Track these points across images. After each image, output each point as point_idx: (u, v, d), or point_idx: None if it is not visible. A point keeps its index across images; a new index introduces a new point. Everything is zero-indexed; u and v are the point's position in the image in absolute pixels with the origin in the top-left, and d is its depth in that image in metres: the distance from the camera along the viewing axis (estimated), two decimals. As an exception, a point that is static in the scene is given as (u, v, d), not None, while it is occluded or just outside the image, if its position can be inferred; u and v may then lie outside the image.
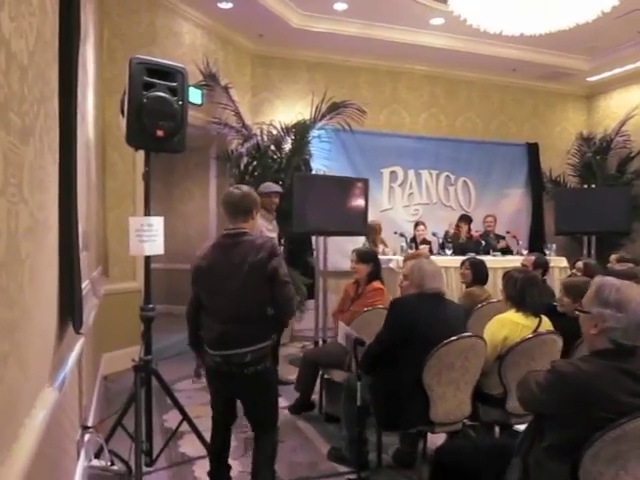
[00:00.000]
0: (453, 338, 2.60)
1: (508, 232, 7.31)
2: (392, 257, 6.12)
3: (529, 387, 1.82)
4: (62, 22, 1.70)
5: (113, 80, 5.08)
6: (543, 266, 4.33)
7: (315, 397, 4.18)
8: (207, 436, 3.29)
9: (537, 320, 2.93)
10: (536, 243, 7.85)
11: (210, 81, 6.20)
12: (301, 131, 6.74)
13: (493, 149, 8.58)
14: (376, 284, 4.12)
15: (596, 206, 6.68)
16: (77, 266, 1.82)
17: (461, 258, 5.16)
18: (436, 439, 3.23)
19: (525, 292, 2.91)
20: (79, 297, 1.89)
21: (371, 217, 6.14)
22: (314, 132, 6.83)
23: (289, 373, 5.00)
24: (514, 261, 6.41)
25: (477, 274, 4.30)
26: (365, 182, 5.70)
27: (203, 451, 3.29)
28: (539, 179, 8.86)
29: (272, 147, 6.72)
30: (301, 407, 4.11)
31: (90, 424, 2.77)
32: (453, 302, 3.11)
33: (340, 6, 6.40)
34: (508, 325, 2.89)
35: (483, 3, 5.22)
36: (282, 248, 3.57)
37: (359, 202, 5.60)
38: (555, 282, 5.76)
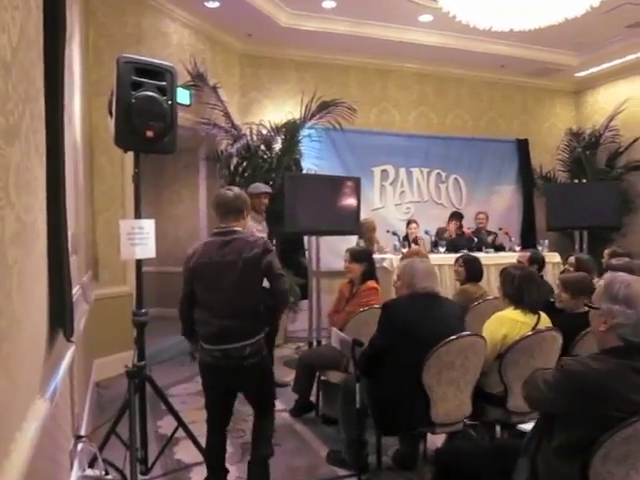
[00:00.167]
0: (452, 337, 2.55)
1: (500, 229, 7.32)
2: (385, 256, 6.09)
3: (537, 386, 1.78)
4: (47, 19, 1.64)
5: (100, 82, 5.00)
6: (539, 262, 4.32)
7: (313, 398, 4.13)
8: (203, 442, 3.25)
9: (536, 317, 2.90)
10: (528, 239, 7.85)
11: (198, 81, 6.13)
12: (291, 130, 6.69)
13: (483, 146, 8.58)
14: (370, 283, 4.07)
15: (587, 201, 6.69)
16: (67, 271, 1.76)
17: (454, 255, 5.15)
18: (436, 439, 3.19)
19: (523, 289, 2.87)
20: (70, 304, 1.83)
21: (363, 216, 6.11)
22: (304, 131, 6.78)
23: (284, 375, 4.95)
24: (507, 257, 6.40)
25: (471, 271, 4.27)
26: (357, 181, 5.67)
27: (199, 457, 3.23)
28: (529, 175, 8.87)
29: (262, 147, 6.66)
30: (301, 409, 4.06)
31: (83, 433, 2.70)
32: (449, 300, 3.05)
33: (329, 4, 6.35)
34: (507, 323, 2.85)
35: (472, -1, 5.20)
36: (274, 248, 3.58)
37: (351, 201, 5.56)
38: (549, 277, 5.75)
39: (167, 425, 3.66)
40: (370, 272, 4.12)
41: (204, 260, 2.69)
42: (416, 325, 2.69)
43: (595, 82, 8.85)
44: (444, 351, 2.54)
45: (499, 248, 6.94)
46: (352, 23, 6.90)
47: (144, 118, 2.65)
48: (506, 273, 3.01)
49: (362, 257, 4.14)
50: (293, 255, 6.50)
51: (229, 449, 3.11)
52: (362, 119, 7.55)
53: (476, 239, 6.90)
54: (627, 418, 1.54)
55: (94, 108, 5.02)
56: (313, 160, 7.06)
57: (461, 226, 7.30)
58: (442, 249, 6.37)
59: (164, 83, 2.76)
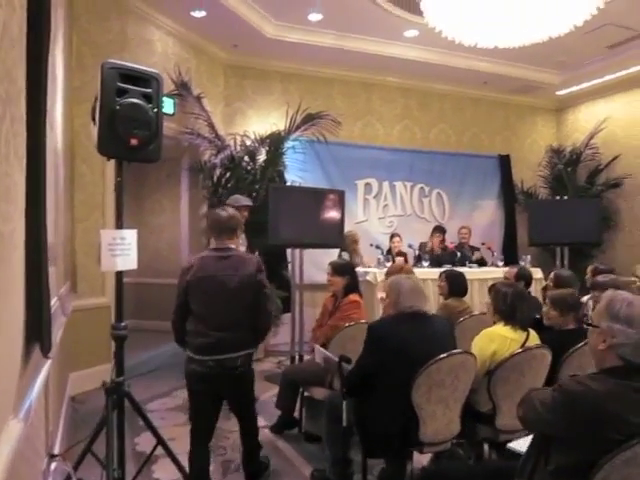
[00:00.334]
0: (443, 355, 2.49)
1: (483, 243, 7.34)
2: (369, 270, 6.05)
3: (533, 406, 1.73)
4: (31, 20, 1.57)
5: (82, 88, 4.91)
6: (526, 278, 4.31)
7: (296, 414, 4.04)
8: (182, 459, 3.14)
9: (525, 334, 2.87)
10: (510, 254, 7.89)
11: (182, 90, 6.06)
12: (275, 142, 6.65)
13: (466, 161, 8.63)
14: (352, 297, 4.01)
15: (568, 217, 6.77)
16: (46, 284, 1.67)
17: (438, 270, 5.13)
18: (422, 458, 3.13)
19: (516, 306, 2.85)
20: (48, 317, 1.74)
21: (346, 229, 6.06)
22: (288, 143, 6.74)
23: (265, 390, 4.85)
24: (490, 272, 6.44)
25: (453, 286, 4.25)
26: (341, 194, 5.64)
27: (178, 476, 3.12)
28: (511, 190, 8.94)
29: (246, 158, 6.60)
30: (283, 425, 3.96)
31: (57, 451, 2.58)
32: (437, 317, 2.97)
33: (315, 17, 6.35)
34: (497, 339, 2.82)
35: (459, 16, 5.22)
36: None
37: (335, 214, 5.52)
38: (532, 293, 5.76)
39: (145, 442, 3.55)
40: (353, 285, 4.07)
41: (202, 274, 2.82)
42: (405, 346, 2.60)
43: (576, 100, 8.99)
44: (435, 369, 2.48)
45: (482, 263, 6.95)
46: (338, 36, 6.91)
47: (128, 126, 2.57)
48: (496, 290, 2.97)
49: (344, 270, 4.09)
50: (276, 268, 6.40)
51: (210, 467, 3.02)
52: (346, 132, 7.54)
53: (459, 254, 6.90)
54: (626, 440, 1.50)
55: (76, 115, 4.92)
56: (297, 172, 7.02)
57: (444, 240, 7.31)
58: (426, 263, 6.35)
59: (150, 90, 2.68)
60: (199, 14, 5.92)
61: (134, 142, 2.60)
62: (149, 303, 7.57)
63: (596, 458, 1.51)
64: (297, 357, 5.28)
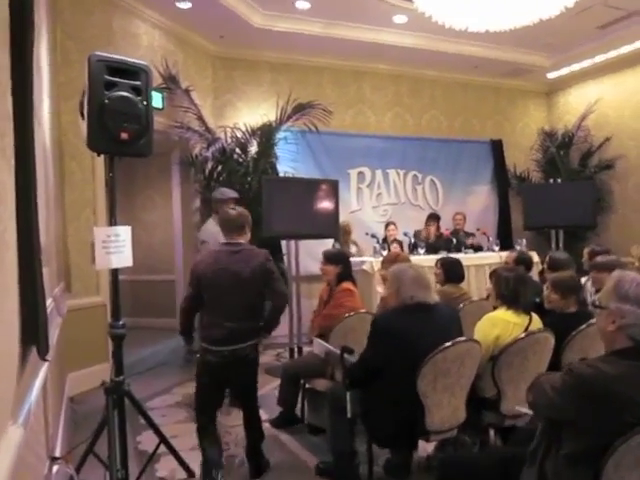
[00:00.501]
0: (448, 344, 2.45)
1: (478, 229, 7.32)
2: (365, 259, 6.02)
3: (544, 391, 1.69)
4: (13, 14, 1.51)
5: (68, 84, 4.81)
6: (525, 263, 4.28)
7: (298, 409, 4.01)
8: (185, 456, 3.13)
9: (528, 318, 2.85)
10: (505, 239, 7.88)
11: (170, 84, 5.98)
12: (267, 133, 6.59)
13: (458, 147, 8.60)
14: (345, 285, 3.96)
15: (562, 200, 6.75)
16: (40, 284, 1.62)
17: (434, 257, 5.10)
18: (427, 446, 3.11)
19: (519, 291, 2.82)
20: (44, 319, 1.69)
21: (341, 219, 6.02)
22: (280, 134, 6.68)
23: (266, 383, 4.81)
24: (486, 258, 6.44)
25: (449, 273, 4.22)
26: (334, 184, 5.60)
27: (182, 473, 3.10)
28: (504, 175, 8.91)
29: (237, 150, 6.54)
30: (284, 421, 3.93)
31: (58, 454, 2.54)
32: (442, 305, 2.88)
33: (303, 5, 6.27)
34: (500, 324, 2.79)
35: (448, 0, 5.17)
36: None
37: (329, 204, 5.48)
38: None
39: (147, 440, 3.51)
40: (345, 274, 4.03)
41: (216, 267, 3.00)
42: (410, 339, 2.54)
43: (566, 83, 8.96)
44: (440, 358, 2.45)
45: (477, 248, 6.94)
46: (326, 24, 6.83)
47: (118, 119, 2.51)
48: (498, 275, 2.95)
49: (337, 259, 4.05)
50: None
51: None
52: (338, 121, 7.48)
53: (454, 240, 6.89)
54: (638, 423, 1.47)
55: (63, 111, 4.83)
56: (289, 163, 6.97)
57: (439, 227, 7.29)
58: (422, 251, 6.33)
59: (139, 83, 2.63)
60: (184, 5, 5.83)
61: (124, 136, 2.55)
62: (144, 300, 7.51)
63: (609, 442, 1.48)
64: (296, 349, 5.26)
